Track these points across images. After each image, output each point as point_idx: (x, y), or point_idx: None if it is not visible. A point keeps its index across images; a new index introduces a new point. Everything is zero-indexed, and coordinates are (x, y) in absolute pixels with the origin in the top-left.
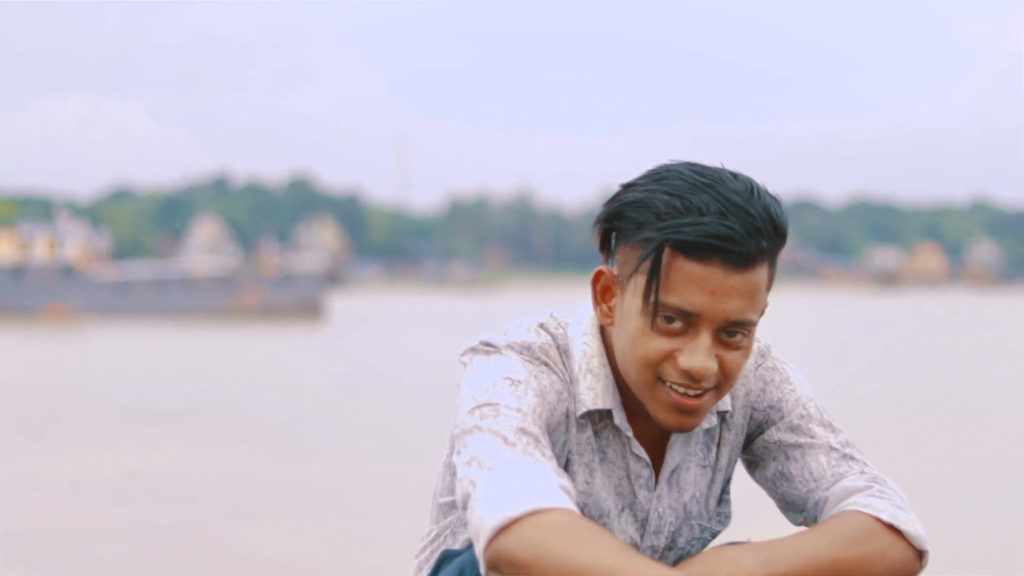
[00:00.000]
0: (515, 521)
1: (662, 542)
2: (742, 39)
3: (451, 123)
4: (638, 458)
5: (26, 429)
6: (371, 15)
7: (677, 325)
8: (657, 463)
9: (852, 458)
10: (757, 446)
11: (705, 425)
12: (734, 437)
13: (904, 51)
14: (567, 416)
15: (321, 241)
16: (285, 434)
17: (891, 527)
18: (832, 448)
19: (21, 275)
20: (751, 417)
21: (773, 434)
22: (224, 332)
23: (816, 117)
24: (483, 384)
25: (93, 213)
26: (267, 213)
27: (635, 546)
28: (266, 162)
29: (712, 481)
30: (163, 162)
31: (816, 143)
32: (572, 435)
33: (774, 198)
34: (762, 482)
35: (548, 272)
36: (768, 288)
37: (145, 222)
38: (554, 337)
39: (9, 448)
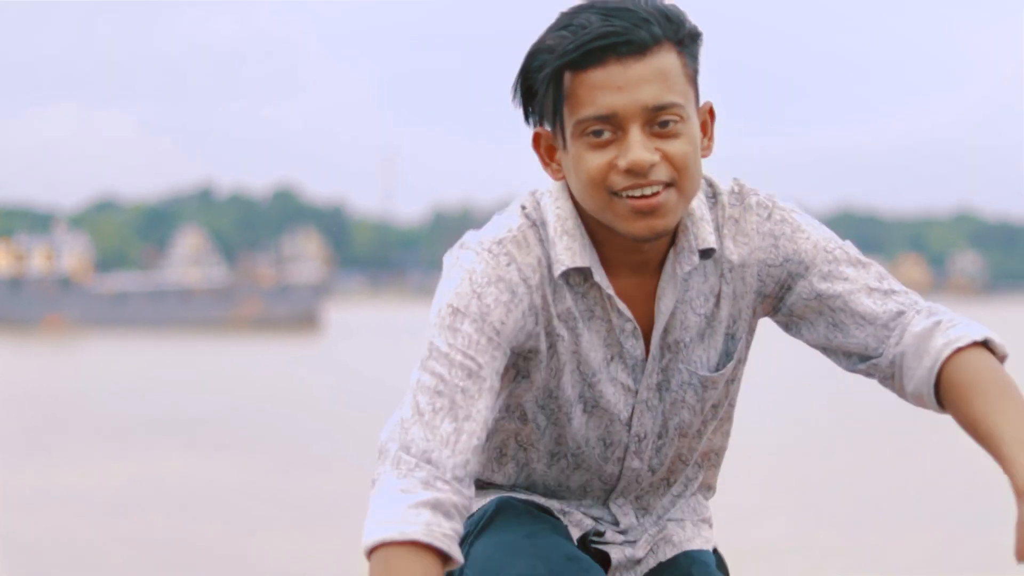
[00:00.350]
0: (371, 552)
1: (654, 380)
2: (731, 50)
3: (436, 132)
4: (620, 313)
5: (27, 440)
6: (357, 22)
7: (606, 136)
8: (649, 321)
9: (893, 292)
10: (795, 305)
11: (687, 266)
12: (734, 290)
13: (888, 66)
14: (543, 295)
15: (306, 252)
16: (286, 444)
17: (982, 343)
18: (871, 288)
19: (19, 286)
20: (768, 275)
21: (807, 288)
22: (222, 343)
23: (800, 130)
24: (433, 311)
25: (78, 223)
26: (251, 224)
27: (630, 391)
28: (251, 172)
29: (708, 331)
30: (149, 172)
31: (800, 155)
32: (551, 307)
33: (671, 6)
34: (814, 341)
35: None
36: (691, 80)
37: (129, 233)
38: (528, 216)
39: (10, 459)
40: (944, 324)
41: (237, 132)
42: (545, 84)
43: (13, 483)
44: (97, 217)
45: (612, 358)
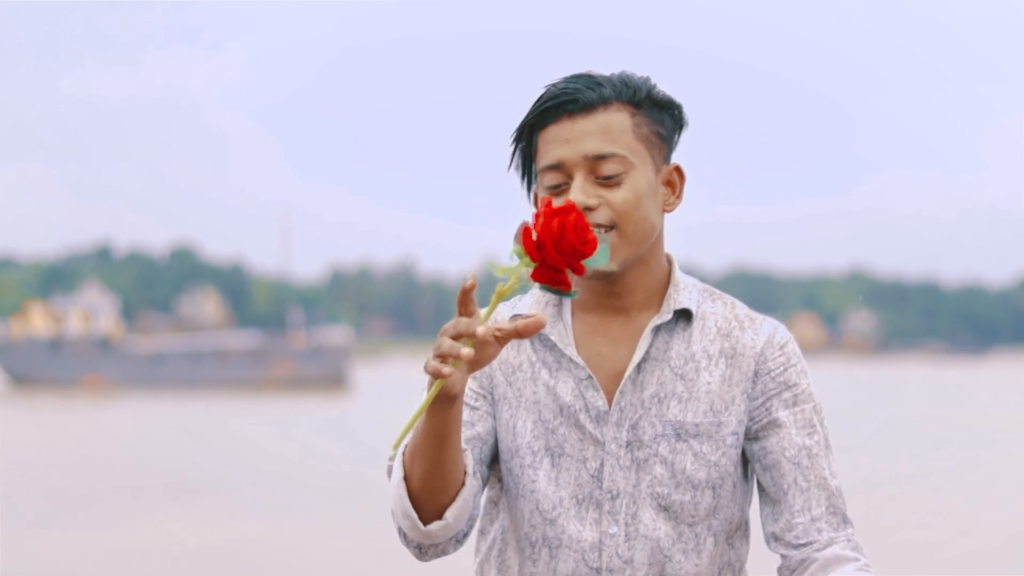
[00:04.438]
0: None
1: (624, 435)
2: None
3: (334, 191)
4: (573, 362)
5: (71, 500)
6: (260, 84)
7: (559, 185)
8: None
9: (843, 517)
10: (759, 413)
11: (657, 320)
12: (727, 374)
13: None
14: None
15: (204, 312)
16: (320, 505)
17: None
18: (831, 495)
19: (57, 347)
20: (756, 373)
21: (780, 421)
22: (257, 403)
23: (708, 205)
24: None
25: None
26: (150, 283)
27: (598, 442)
28: (149, 230)
29: (688, 395)
30: (45, 230)
31: (696, 219)
32: (499, 367)
33: (640, 76)
34: (749, 451)
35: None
36: (645, 139)
37: (28, 291)
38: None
39: (50, 519)
40: (862, 564)
41: (134, 189)
42: (516, 143)
43: (52, 543)
44: None
45: (580, 408)
